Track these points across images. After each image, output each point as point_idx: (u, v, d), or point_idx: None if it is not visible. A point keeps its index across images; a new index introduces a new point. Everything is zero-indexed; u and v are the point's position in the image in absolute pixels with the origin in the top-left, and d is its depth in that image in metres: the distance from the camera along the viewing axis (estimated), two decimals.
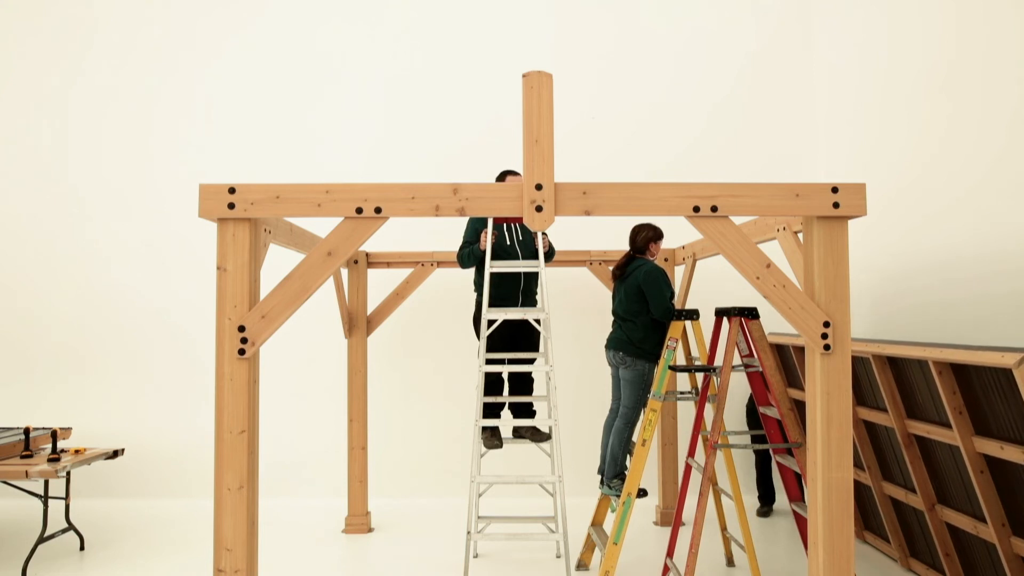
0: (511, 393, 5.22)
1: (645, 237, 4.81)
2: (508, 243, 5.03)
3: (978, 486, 3.55)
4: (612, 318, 4.95)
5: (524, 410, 5.27)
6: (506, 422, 4.81)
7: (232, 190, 3.01)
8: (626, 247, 5.12)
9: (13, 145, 6.78)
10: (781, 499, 6.34)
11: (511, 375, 5.22)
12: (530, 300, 5.14)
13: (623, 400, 4.71)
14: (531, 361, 5.15)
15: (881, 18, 5.62)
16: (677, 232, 6.46)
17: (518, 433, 5.11)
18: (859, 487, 5.05)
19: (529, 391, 5.26)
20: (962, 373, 3.56)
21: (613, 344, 4.78)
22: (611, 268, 4.90)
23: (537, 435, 5.05)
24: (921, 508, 4.17)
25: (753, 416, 6.05)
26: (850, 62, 6.13)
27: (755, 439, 6.01)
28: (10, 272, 6.73)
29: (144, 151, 6.80)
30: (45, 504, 4.84)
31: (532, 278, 5.13)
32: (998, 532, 3.51)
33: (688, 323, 5.80)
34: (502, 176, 5.10)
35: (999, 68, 4.27)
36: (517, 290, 5.06)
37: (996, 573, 3.76)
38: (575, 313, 6.70)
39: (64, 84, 6.80)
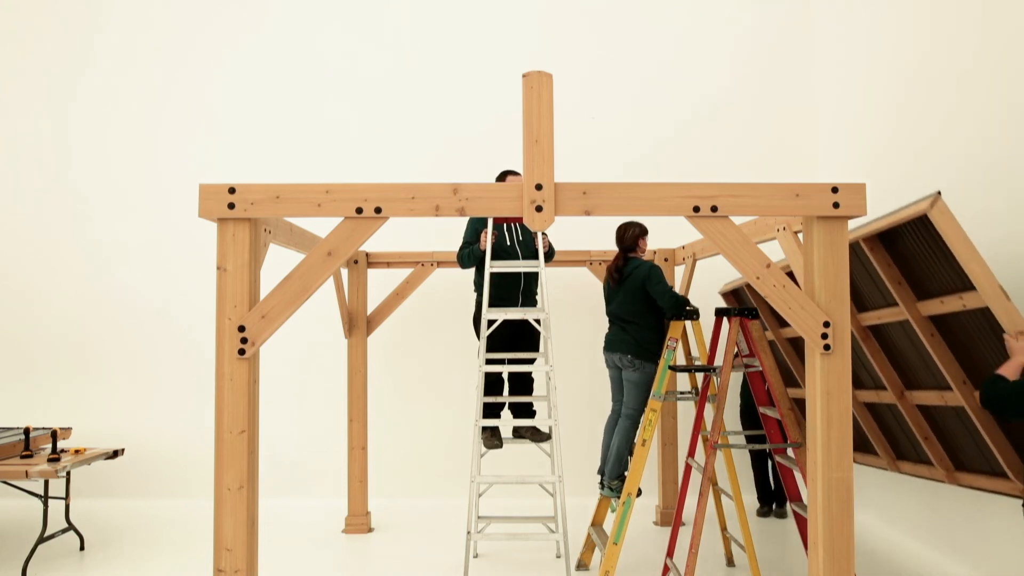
0: (511, 393, 5.22)
1: (633, 234, 4.79)
2: (508, 243, 5.03)
3: (932, 351, 3.64)
4: (609, 320, 4.93)
5: (524, 410, 5.27)
6: (506, 422, 4.80)
7: (232, 190, 3.01)
8: None
9: (16, 145, 6.78)
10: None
11: (511, 375, 5.22)
12: (530, 300, 5.14)
13: (628, 403, 4.69)
14: (531, 361, 5.15)
15: (882, 18, 5.63)
16: (677, 232, 6.47)
17: (518, 433, 5.10)
18: None
19: (529, 391, 5.26)
20: (892, 244, 3.65)
21: (618, 347, 4.73)
22: (607, 271, 4.88)
23: (537, 435, 5.05)
24: (893, 401, 4.23)
25: (746, 416, 6.03)
26: (851, 62, 6.13)
27: (749, 440, 6.02)
28: (11, 271, 6.73)
29: (146, 151, 6.80)
30: (45, 504, 4.84)
31: (532, 278, 5.13)
32: (961, 391, 3.59)
33: (688, 323, 5.83)
34: (502, 176, 5.10)
35: (1001, 67, 4.27)
36: (517, 290, 5.06)
37: (972, 437, 3.81)
38: (575, 313, 6.71)
39: (67, 85, 6.81)
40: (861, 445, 5.07)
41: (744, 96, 6.83)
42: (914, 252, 3.53)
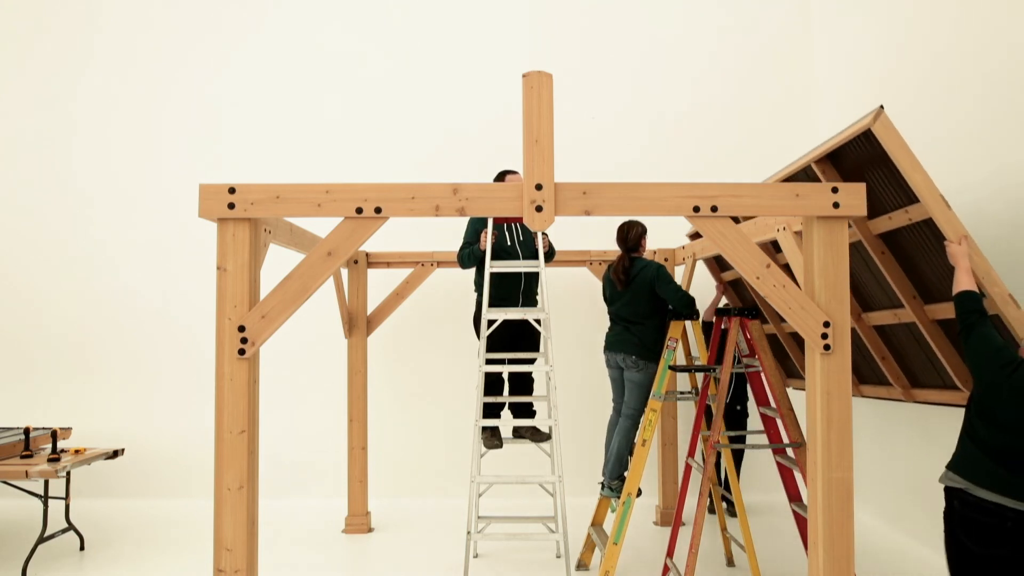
0: (511, 393, 5.22)
1: (637, 234, 4.76)
2: (508, 243, 5.02)
3: (884, 268, 3.79)
4: (611, 320, 4.92)
5: (524, 410, 5.26)
6: (506, 422, 4.80)
7: (232, 190, 3.01)
8: None
9: (17, 145, 6.78)
10: (770, 500, 6.32)
11: (511, 375, 5.22)
12: (530, 300, 5.14)
13: (629, 402, 4.68)
14: (531, 361, 5.15)
15: (882, 18, 5.63)
16: (677, 232, 6.47)
17: (518, 433, 5.10)
18: (799, 338, 5.17)
19: (529, 391, 5.25)
20: (840, 164, 3.74)
21: (621, 347, 4.71)
22: (611, 273, 4.84)
23: (537, 435, 5.05)
24: (852, 325, 4.35)
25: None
26: (850, 62, 6.13)
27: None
28: (12, 271, 6.73)
29: (146, 151, 6.80)
30: (45, 504, 4.84)
31: (532, 278, 5.12)
32: (912, 306, 3.76)
33: (688, 323, 5.83)
34: (501, 176, 5.09)
35: (1002, 67, 4.27)
36: (517, 290, 5.06)
37: (924, 353, 3.95)
38: (575, 313, 6.71)
39: (68, 85, 6.80)
40: None
41: (745, 96, 6.82)
42: (861, 171, 3.62)
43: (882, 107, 3.16)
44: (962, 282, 3.06)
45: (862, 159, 3.56)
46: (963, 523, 2.73)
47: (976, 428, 2.78)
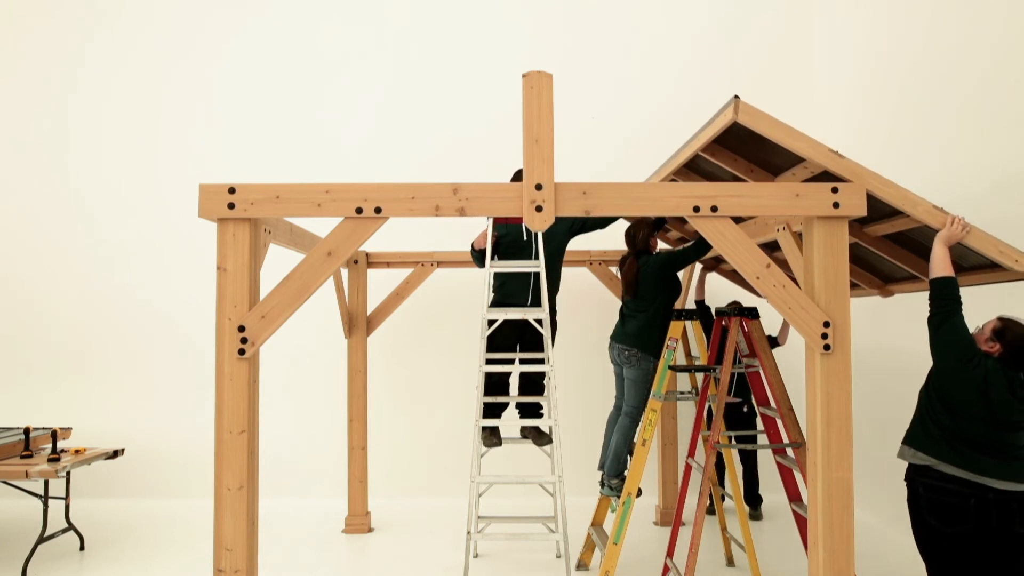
0: (521, 392, 5.19)
1: (645, 236, 4.75)
2: (525, 239, 4.98)
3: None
4: (615, 320, 4.91)
5: (531, 410, 5.23)
6: (511, 421, 4.78)
7: (232, 190, 3.01)
8: (625, 247, 5.08)
9: (14, 144, 6.78)
10: (770, 500, 6.31)
11: (523, 375, 5.18)
12: (540, 299, 5.11)
13: (628, 400, 4.67)
14: (542, 361, 5.12)
15: (883, 18, 5.63)
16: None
17: (523, 432, 5.10)
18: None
19: (540, 391, 5.21)
20: (727, 143, 3.74)
21: (617, 339, 4.72)
22: (624, 277, 4.80)
23: (540, 437, 5.03)
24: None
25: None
26: (851, 62, 6.13)
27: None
28: (12, 272, 6.73)
29: (146, 151, 6.80)
30: (45, 504, 4.84)
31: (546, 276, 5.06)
32: (851, 230, 3.78)
33: (688, 323, 5.84)
34: (518, 174, 5.05)
35: (1002, 67, 4.27)
36: (527, 289, 5.02)
37: (881, 258, 4.10)
38: (575, 313, 6.70)
39: (65, 85, 6.80)
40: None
41: (744, 96, 6.82)
42: (751, 142, 3.55)
43: (737, 96, 3.09)
44: (944, 265, 3.08)
45: (745, 136, 3.48)
46: (930, 505, 2.90)
47: (935, 409, 2.95)
